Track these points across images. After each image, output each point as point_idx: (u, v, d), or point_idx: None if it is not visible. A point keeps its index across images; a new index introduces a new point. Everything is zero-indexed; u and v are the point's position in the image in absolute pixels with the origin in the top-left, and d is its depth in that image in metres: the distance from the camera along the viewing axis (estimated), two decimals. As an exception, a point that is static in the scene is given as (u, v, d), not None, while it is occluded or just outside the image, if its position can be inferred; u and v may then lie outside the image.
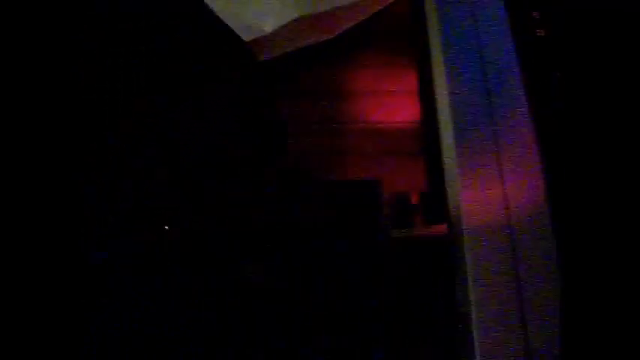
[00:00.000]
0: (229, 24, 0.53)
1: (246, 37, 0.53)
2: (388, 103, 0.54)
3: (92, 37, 0.57)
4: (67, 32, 0.56)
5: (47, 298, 0.37)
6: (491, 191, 0.44)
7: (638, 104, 0.46)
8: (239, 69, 0.55)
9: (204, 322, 0.47)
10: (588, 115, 0.47)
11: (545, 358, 0.39)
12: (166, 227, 0.47)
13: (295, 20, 0.53)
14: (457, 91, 0.47)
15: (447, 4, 0.52)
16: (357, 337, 0.46)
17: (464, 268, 0.42)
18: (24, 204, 0.44)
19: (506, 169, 0.44)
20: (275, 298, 0.47)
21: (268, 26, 0.53)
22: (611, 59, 0.48)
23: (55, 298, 0.38)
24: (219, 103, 0.54)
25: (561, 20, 0.50)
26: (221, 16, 0.54)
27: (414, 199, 0.49)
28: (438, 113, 0.50)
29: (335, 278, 0.47)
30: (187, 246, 0.50)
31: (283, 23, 0.53)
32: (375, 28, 0.55)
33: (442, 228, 0.45)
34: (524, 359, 0.39)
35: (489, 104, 0.47)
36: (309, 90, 0.55)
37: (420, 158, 0.51)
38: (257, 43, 0.54)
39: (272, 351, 0.46)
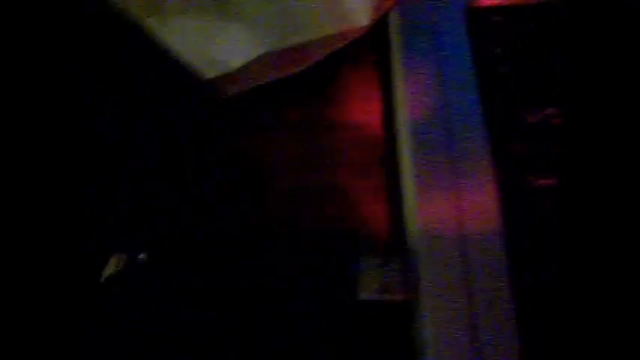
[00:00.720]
0: (192, 61, 0.51)
1: (210, 74, 0.51)
2: (353, 136, 0.54)
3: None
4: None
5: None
6: (447, 211, 0.45)
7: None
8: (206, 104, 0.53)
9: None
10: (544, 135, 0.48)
11: None
12: None
13: (262, 56, 0.51)
14: (417, 119, 0.48)
15: (409, 34, 0.52)
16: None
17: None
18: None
19: (463, 190, 0.45)
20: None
21: (235, 62, 0.51)
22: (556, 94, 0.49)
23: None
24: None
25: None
26: (183, 53, 0.52)
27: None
28: (399, 142, 0.51)
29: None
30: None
31: (250, 59, 0.51)
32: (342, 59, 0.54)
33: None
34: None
35: (449, 132, 0.47)
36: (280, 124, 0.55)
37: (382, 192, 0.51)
38: (222, 79, 0.52)
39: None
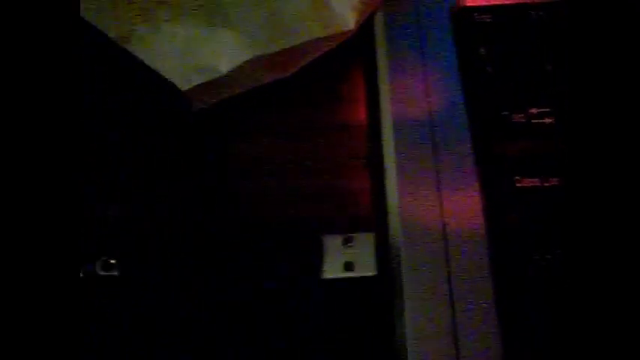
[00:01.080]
0: (182, 68, 0.51)
1: (200, 79, 0.51)
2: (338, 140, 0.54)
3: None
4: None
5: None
6: (429, 208, 0.45)
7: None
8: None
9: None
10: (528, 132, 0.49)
11: None
12: None
13: (251, 60, 0.51)
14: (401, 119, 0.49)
15: (395, 35, 0.53)
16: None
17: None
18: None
19: (445, 183, 0.46)
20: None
21: (224, 67, 0.51)
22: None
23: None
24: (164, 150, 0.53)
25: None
26: (172, 60, 0.52)
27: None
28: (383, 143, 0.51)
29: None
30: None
31: (239, 64, 0.51)
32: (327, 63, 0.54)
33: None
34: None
35: (433, 132, 0.48)
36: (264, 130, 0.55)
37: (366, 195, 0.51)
38: (211, 85, 0.52)
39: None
